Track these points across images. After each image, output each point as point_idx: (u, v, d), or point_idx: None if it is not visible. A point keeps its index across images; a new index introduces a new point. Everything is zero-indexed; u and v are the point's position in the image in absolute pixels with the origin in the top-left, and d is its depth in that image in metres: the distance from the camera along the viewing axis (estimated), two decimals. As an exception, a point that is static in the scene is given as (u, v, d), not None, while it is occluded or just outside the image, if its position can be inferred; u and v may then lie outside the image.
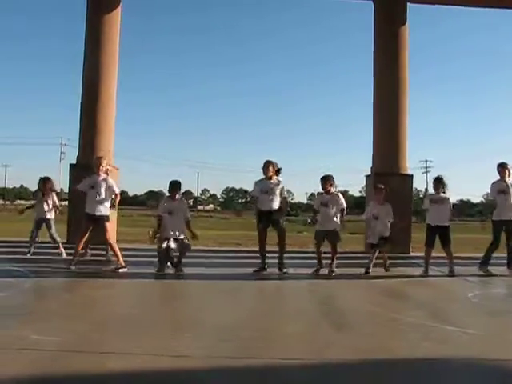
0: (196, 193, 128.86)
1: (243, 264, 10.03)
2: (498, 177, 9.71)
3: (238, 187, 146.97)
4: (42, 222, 10.94)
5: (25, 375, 3.61)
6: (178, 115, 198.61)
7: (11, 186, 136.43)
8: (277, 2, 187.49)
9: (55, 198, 11.09)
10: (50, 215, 10.98)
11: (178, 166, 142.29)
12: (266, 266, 9.19)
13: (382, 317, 6.03)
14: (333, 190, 9.43)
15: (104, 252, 10.11)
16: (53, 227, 10.94)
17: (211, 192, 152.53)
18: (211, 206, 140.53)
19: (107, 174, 9.23)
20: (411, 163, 15.62)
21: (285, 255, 9.32)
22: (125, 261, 9.05)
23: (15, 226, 20.85)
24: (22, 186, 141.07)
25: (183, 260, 8.99)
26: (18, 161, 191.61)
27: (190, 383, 3.78)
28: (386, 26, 14.71)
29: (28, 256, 10.41)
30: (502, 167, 9.62)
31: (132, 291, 7.62)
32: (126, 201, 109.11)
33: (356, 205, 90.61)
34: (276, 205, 9.12)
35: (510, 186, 9.59)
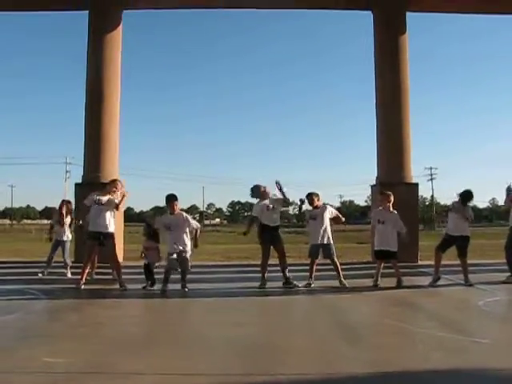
0: (202, 207, 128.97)
1: (251, 278, 9.99)
2: None
3: (243, 201, 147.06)
4: (58, 244, 11.04)
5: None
6: (182, 130, 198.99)
7: (17, 206, 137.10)
8: (274, 14, 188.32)
9: (67, 219, 11.18)
10: (67, 238, 11.08)
11: (184, 181, 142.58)
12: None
13: (392, 328, 6.00)
14: (319, 203, 9.55)
15: (111, 270, 10.13)
16: (67, 250, 11.03)
17: (217, 206, 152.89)
18: (217, 220, 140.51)
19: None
20: (416, 171, 15.65)
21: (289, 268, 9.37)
22: (132, 279, 9.06)
23: (26, 245, 20.94)
24: (28, 205, 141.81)
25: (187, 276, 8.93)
26: (23, 180, 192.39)
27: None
28: (386, 35, 14.80)
29: (40, 276, 10.47)
30: None
31: (140, 310, 7.63)
32: (132, 217, 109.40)
33: (362, 214, 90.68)
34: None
35: None
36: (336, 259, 9.35)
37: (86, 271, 9.17)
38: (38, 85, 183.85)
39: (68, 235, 11.15)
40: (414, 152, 14.83)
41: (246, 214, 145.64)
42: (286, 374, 4.21)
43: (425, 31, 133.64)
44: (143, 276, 9.08)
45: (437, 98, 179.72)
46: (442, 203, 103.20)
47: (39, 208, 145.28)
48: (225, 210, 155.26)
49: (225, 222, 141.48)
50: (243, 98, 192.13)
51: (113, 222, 9.12)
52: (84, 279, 9.04)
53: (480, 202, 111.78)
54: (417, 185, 14.63)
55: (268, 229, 9.23)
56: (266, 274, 9.24)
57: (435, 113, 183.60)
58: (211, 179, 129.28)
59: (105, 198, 9.08)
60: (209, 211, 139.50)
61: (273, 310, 7.65)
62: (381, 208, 9.62)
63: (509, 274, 9.58)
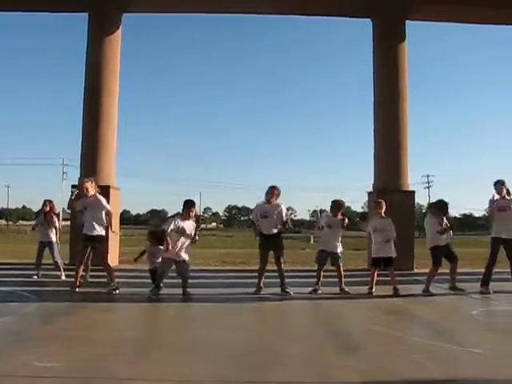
0: (199, 211, 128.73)
1: (246, 284, 9.97)
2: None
3: (240, 205, 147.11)
4: (45, 245, 10.95)
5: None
6: (180, 133, 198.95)
7: (13, 207, 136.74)
8: (274, 20, 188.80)
9: (55, 220, 11.10)
10: (53, 238, 10.98)
11: (181, 185, 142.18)
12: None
13: (386, 336, 6.00)
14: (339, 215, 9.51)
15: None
16: (56, 251, 10.94)
17: (214, 210, 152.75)
18: (214, 224, 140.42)
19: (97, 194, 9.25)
20: (413, 178, 15.73)
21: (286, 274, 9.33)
22: (127, 282, 9.03)
23: (21, 247, 20.87)
24: (24, 206, 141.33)
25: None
26: (19, 181, 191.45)
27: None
28: (385, 43, 14.85)
29: (35, 278, 10.46)
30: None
31: (134, 314, 7.58)
32: (128, 220, 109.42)
33: (361, 218, 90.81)
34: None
35: None
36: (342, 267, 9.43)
37: (80, 274, 9.14)
38: (36, 84, 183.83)
39: (54, 236, 11.03)
40: (412, 160, 14.86)
41: (242, 218, 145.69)
42: (280, 381, 4.19)
43: (424, 39, 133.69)
44: (138, 280, 9.07)
45: (435, 105, 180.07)
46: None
47: (35, 209, 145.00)
48: (221, 214, 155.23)
49: (221, 226, 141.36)
50: (240, 103, 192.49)
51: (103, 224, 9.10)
52: (78, 282, 9.02)
53: (476, 210, 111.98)
54: (413, 192, 14.65)
55: (263, 236, 9.21)
56: (262, 280, 9.18)
57: (433, 121, 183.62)
58: (208, 183, 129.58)
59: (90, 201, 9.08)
60: (205, 215, 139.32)
61: (267, 316, 7.64)
62: (377, 216, 9.64)
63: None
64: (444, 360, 4.92)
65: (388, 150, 14.47)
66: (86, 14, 14.62)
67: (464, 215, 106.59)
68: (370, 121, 15.17)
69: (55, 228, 10.99)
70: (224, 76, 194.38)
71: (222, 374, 4.34)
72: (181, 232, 8.70)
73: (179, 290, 8.75)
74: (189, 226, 8.82)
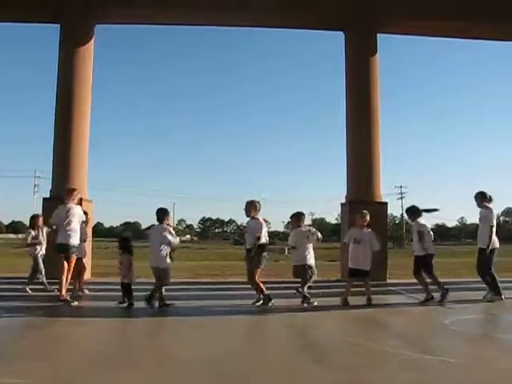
0: (172, 223, 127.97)
1: (219, 296, 9.91)
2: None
3: (214, 217, 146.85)
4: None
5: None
6: (152, 145, 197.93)
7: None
8: (244, 33, 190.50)
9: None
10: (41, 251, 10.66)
11: (154, 197, 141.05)
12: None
13: (360, 347, 6.00)
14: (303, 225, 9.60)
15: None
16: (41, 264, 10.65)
17: (188, 222, 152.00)
18: (188, 236, 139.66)
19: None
20: (386, 189, 15.88)
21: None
22: (98, 295, 8.92)
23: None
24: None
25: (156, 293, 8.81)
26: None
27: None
28: (357, 55, 15.03)
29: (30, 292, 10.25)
30: None
31: (108, 328, 7.44)
32: (101, 232, 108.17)
33: (332, 232, 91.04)
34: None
35: None
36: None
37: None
38: (7, 97, 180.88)
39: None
40: (384, 170, 14.99)
41: (216, 230, 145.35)
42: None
43: (395, 52, 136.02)
44: (111, 293, 8.93)
45: (406, 116, 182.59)
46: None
47: (6, 222, 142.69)
48: (196, 226, 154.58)
49: (195, 238, 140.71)
50: (216, 114, 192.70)
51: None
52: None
53: (448, 220, 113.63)
54: (386, 204, 14.76)
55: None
56: (263, 291, 9.05)
57: (405, 130, 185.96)
58: (182, 195, 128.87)
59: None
60: (179, 227, 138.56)
61: (241, 329, 7.56)
62: (356, 227, 9.67)
63: (486, 292, 9.78)
64: (416, 369, 4.94)
65: (360, 161, 14.58)
66: (58, 26, 14.49)
67: (437, 225, 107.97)
68: (342, 132, 15.30)
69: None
70: (199, 87, 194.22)
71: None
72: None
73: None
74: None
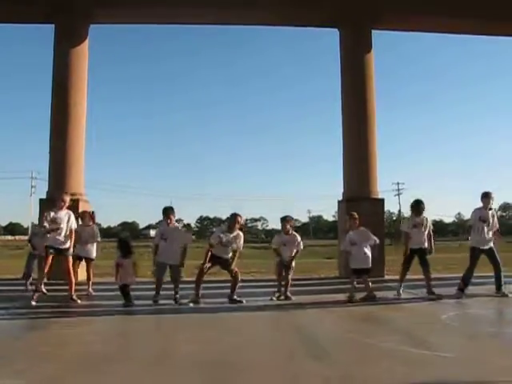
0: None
1: (216, 295, 9.93)
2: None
3: (212, 216, 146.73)
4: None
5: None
6: (150, 144, 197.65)
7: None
8: (240, 30, 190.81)
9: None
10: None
11: (152, 196, 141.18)
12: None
13: (357, 343, 6.03)
14: (291, 230, 9.82)
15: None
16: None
17: (185, 222, 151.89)
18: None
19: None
20: (383, 186, 15.92)
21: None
22: (98, 295, 8.94)
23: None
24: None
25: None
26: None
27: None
28: (352, 52, 15.08)
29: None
30: None
31: (105, 328, 7.45)
32: (99, 232, 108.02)
33: (330, 229, 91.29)
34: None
35: None
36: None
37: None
38: (3, 98, 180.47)
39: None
40: (382, 167, 15.04)
41: (214, 229, 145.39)
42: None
43: (390, 48, 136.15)
44: (108, 293, 8.97)
45: (403, 113, 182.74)
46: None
47: (3, 223, 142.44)
48: (193, 225, 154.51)
49: (193, 237, 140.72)
50: (213, 112, 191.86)
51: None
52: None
53: (446, 216, 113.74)
54: (383, 200, 14.79)
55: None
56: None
57: (402, 127, 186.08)
58: (179, 194, 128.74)
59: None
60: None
61: (239, 326, 7.56)
62: (351, 231, 9.77)
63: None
64: (414, 365, 4.96)
65: (357, 158, 14.62)
66: (52, 26, 14.49)
67: (434, 221, 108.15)
68: (338, 129, 15.34)
69: None
70: (201, 84, 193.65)
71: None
72: (165, 238, 9.22)
73: (148, 302, 8.82)
74: (172, 230, 9.34)
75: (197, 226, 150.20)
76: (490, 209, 9.97)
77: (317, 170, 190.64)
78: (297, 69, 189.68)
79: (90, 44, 14.92)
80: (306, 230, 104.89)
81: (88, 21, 14.72)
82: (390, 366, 4.93)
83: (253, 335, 6.82)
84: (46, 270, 9.07)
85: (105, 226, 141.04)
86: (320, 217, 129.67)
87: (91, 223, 10.48)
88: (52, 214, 9.04)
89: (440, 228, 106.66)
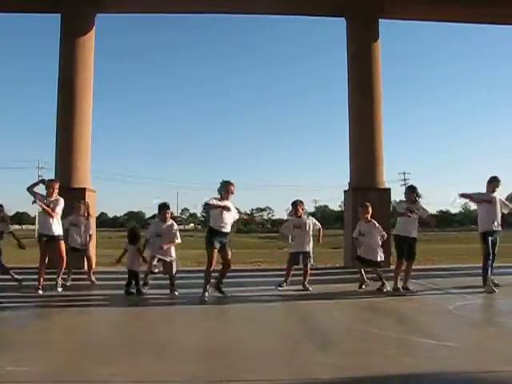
0: (176, 212, 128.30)
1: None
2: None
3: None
4: None
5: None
6: (156, 135, 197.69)
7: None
8: (249, 21, 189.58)
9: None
10: None
11: (158, 186, 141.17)
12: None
13: (363, 333, 6.04)
14: (303, 214, 9.68)
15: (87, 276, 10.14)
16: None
17: (191, 211, 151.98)
18: (191, 225, 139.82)
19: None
20: (390, 176, 15.86)
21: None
22: (104, 284, 9.00)
23: None
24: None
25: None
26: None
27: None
28: (359, 42, 14.94)
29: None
30: None
31: (110, 317, 7.49)
32: (105, 222, 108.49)
33: (336, 219, 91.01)
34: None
35: None
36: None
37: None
38: (9, 89, 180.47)
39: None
40: (388, 157, 14.98)
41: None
42: (256, 379, 4.18)
43: (398, 38, 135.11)
44: (114, 282, 9.01)
45: (410, 103, 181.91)
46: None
47: (10, 213, 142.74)
48: (199, 215, 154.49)
49: (199, 226, 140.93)
50: (220, 102, 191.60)
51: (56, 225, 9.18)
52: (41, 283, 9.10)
53: (452, 206, 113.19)
54: (389, 190, 14.73)
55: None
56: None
57: (410, 117, 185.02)
58: (185, 184, 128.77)
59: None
60: (183, 216, 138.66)
61: (244, 316, 7.57)
62: (362, 221, 9.75)
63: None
64: (418, 354, 4.97)
65: (363, 147, 14.55)
66: (59, 15, 14.45)
67: (441, 211, 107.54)
68: (345, 119, 15.28)
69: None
70: (203, 76, 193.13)
71: (198, 375, 4.31)
72: (160, 235, 9.03)
73: (153, 291, 8.81)
74: (168, 228, 9.13)
75: (202, 216, 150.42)
76: (493, 191, 9.60)
77: (323, 160, 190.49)
78: (304, 60, 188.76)
79: (96, 34, 14.89)
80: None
81: (95, 10, 14.65)
82: (396, 355, 4.94)
83: (258, 325, 6.83)
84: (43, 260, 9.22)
85: (111, 215, 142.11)
86: (326, 207, 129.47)
87: (86, 214, 10.47)
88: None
89: (447, 218, 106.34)
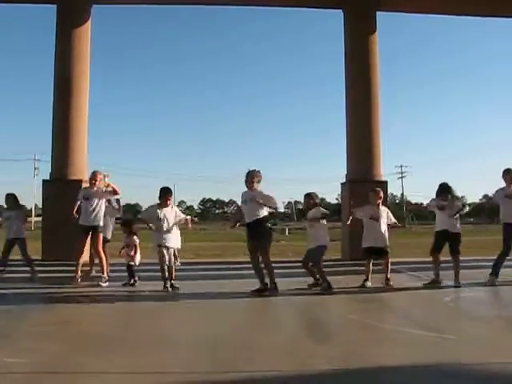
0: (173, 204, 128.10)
1: (220, 276, 9.95)
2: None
3: (214, 198, 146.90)
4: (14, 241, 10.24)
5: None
6: (152, 126, 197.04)
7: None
8: (244, 13, 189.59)
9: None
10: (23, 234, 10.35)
11: (154, 178, 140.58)
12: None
13: (361, 325, 6.05)
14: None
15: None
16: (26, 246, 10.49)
17: (188, 204, 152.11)
18: (189, 217, 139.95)
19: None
20: (387, 169, 15.83)
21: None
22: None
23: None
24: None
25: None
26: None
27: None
28: (356, 34, 14.93)
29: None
30: None
31: (110, 309, 7.46)
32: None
33: (333, 212, 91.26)
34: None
35: None
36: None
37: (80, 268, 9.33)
38: (5, 82, 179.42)
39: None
40: (386, 150, 14.97)
41: (217, 211, 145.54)
42: (256, 370, 4.18)
43: (395, 31, 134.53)
44: (116, 274, 9.08)
45: (407, 96, 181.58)
46: (413, 201, 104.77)
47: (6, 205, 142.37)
48: (196, 207, 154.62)
49: (196, 219, 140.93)
50: (218, 95, 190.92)
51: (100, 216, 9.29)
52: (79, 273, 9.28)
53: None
54: (386, 183, 14.74)
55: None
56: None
57: (407, 111, 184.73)
58: (182, 176, 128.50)
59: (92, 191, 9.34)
60: (180, 208, 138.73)
61: (244, 309, 7.59)
62: (371, 205, 9.25)
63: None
64: (413, 346, 4.98)
65: (360, 140, 14.56)
66: (54, 6, 14.35)
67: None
68: (342, 112, 15.25)
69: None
70: (201, 70, 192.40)
71: (194, 366, 4.31)
72: (162, 220, 8.55)
73: (155, 285, 8.72)
74: (170, 212, 8.73)
75: (200, 208, 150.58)
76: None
77: (320, 153, 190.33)
78: (301, 53, 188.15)
79: (92, 25, 14.80)
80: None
81: (90, 1, 14.57)
82: (391, 346, 4.96)
83: (257, 318, 6.85)
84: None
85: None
86: (323, 199, 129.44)
87: None
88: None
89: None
